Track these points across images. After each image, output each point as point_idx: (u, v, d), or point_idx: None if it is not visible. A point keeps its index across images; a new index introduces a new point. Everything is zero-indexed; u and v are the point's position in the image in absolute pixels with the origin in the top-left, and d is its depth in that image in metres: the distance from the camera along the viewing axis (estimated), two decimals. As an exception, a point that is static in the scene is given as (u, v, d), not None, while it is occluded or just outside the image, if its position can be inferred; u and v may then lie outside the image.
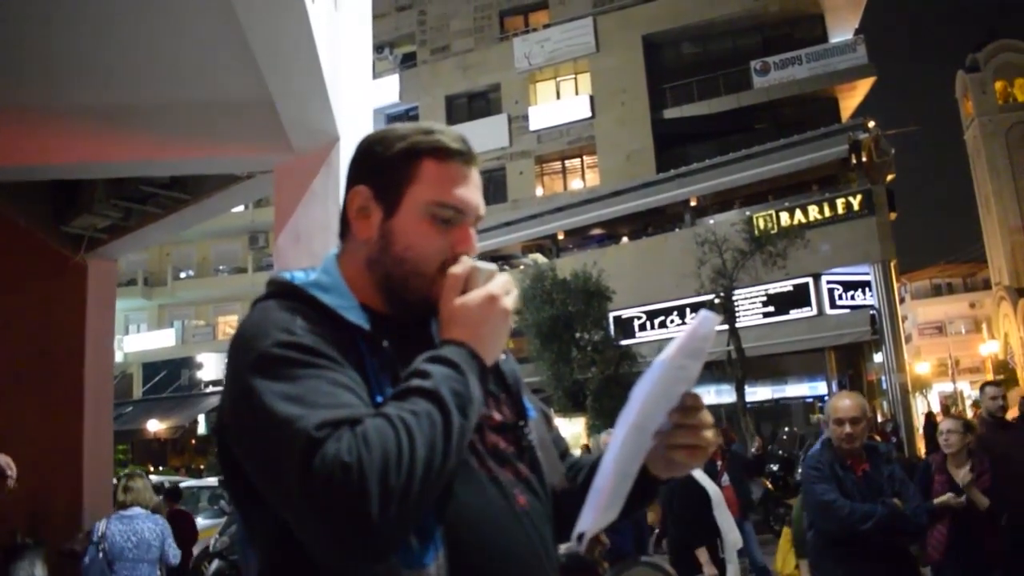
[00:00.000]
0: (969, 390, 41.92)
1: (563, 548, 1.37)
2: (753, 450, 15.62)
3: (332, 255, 1.39)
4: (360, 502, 1.02)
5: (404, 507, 1.05)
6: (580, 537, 1.22)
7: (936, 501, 5.14)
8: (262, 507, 1.18)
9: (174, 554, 6.23)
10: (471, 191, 1.34)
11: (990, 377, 41.63)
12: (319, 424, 1.06)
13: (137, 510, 6.14)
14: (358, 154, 1.38)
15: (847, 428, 4.14)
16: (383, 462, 1.04)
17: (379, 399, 1.18)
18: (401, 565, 1.12)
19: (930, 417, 18.03)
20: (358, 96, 5.86)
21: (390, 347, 1.26)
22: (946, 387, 43.79)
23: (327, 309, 1.25)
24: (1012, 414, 7.38)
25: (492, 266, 1.30)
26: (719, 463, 8.85)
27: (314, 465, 1.03)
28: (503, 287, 1.27)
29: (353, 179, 1.37)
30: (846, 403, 4.24)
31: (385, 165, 1.33)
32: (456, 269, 1.27)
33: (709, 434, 1.32)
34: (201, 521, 11.48)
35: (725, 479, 8.68)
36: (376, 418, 1.09)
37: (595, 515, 1.23)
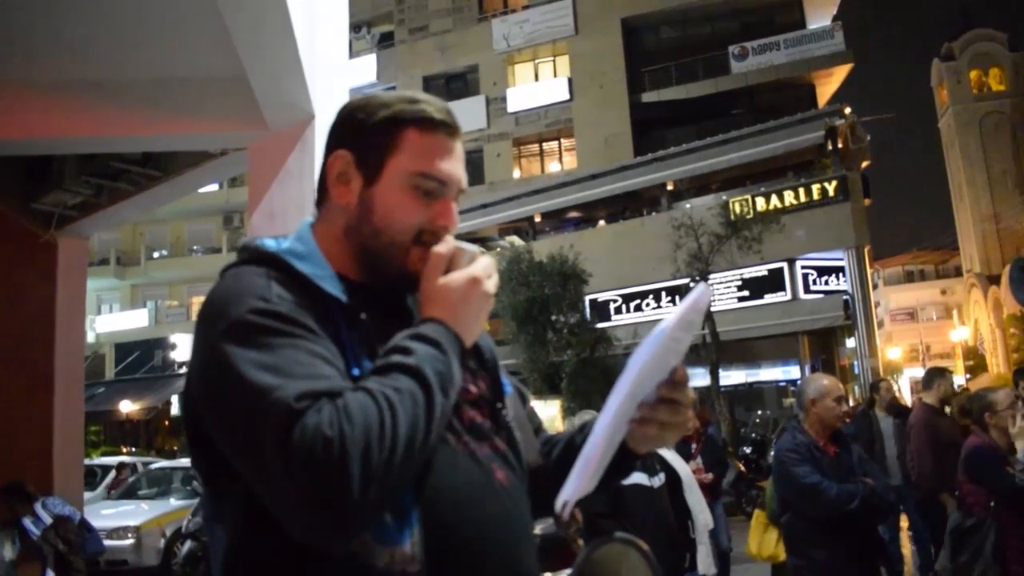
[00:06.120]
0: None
1: (538, 528, 1.35)
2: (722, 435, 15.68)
3: (307, 223, 1.35)
4: (340, 478, 0.99)
5: (384, 485, 1.03)
6: (564, 505, 1.21)
7: None
8: (231, 482, 1.15)
9: None
10: (454, 164, 1.32)
11: (960, 363, 42.26)
12: (299, 395, 1.04)
13: None
14: (339, 119, 1.35)
15: (843, 406, 4.23)
16: (365, 438, 1.01)
17: (356, 372, 1.16)
18: (375, 542, 1.10)
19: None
20: (334, 74, 5.79)
21: (367, 320, 1.23)
22: (917, 372, 44.24)
23: (303, 278, 1.22)
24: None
25: (475, 248, 1.28)
26: (694, 445, 8.82)
27: (293, 437, 1.00)
28: (485, 270, 1.25)
29: (334, 144, 1.33)
30: (835, 382, 4.33)
31: (367, 132, 1.29)
32: (440, 248, 1.25)
33: (690, 413, 1.30)
34: (173, 502, 11.47)
35: (698, 461, 8.64)
36: (358, 392, 1.06)
37: (580, 482, 1.22)
